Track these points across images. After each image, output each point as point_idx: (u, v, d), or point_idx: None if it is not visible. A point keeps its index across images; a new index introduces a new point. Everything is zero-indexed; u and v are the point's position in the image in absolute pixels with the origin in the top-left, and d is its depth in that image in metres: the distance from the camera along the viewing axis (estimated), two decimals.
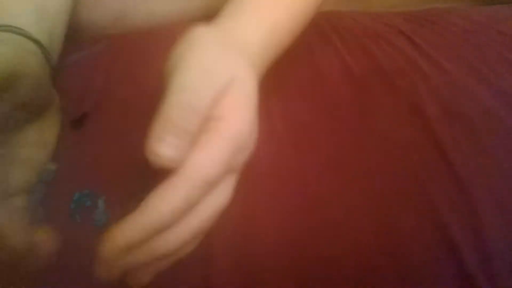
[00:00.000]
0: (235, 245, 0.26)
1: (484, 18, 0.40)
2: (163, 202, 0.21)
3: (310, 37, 0.37)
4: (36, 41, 0.27)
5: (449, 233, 0.24)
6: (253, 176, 0.28)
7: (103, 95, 0.33)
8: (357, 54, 0.34)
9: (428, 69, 0.32)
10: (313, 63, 0.35)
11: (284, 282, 0.24)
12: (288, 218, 0.27)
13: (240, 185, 0.28)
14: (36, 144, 0.27)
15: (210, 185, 0.22)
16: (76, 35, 0.41)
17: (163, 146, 0.21)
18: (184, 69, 0.23)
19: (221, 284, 0.24)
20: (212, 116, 0.23)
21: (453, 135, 0.28)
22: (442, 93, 0.30)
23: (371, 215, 0.26)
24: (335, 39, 0.37)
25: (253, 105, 0.25)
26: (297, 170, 0.29)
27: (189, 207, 0.22)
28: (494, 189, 0.25)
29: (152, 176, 0.22)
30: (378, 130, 0.30)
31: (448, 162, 0.27)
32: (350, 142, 0.30)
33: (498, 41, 0.34)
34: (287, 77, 0.35)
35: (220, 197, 0.24)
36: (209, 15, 0.31)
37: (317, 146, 0.30)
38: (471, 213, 0.25)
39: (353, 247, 0.25)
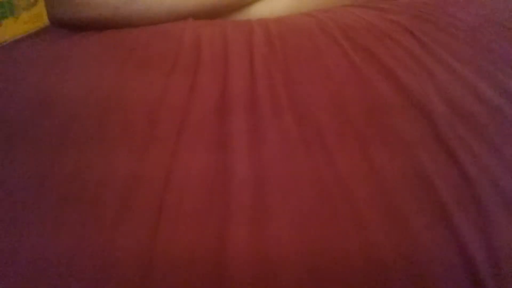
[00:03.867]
0: (249, 233, 0.26)
1: (489, 11, 0.41)
2: None
3: (317, 37, 0.38)
4: None
5: (459, 233, 0.25)
6: (264, 167, 0.29)
7: None
8: (363, 54, 0.35)
9: (434, 68, 0.32)
10: (321, 63, 0.35)
11: (297, 271, 0.25)
12: (301, 211, 0.27)
13: (253, 178, 0.28)
14: None
15: None
16: (78, 13, 0.41)
17: None
18: None
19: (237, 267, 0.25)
20: None
21: (461, 135, 0.28)
22: (449, 92, 0.31)
23: (381, 211, 0.26)
24: (341, 38, 0.37)
25: None
26: (307, 164, 0.29)
27: None
28: (504, 190, 0.26)
29: None
30: (386, 129, 0.30)
31: (456, 161, 0.27)
32: (357, 141, 0.30)
33: (504, 38, 0.35)
34: (296, 75, 0.35)
35: None
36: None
37: (326, 144, 0.30)
38: (480, 213, 0.25)
39: (364, 241, 0.26)
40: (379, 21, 0.39)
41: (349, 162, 0.29)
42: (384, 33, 0.36)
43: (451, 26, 0.37)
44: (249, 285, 0.24)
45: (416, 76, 0.32)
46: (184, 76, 0.37)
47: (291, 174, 0.29)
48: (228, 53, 0.39)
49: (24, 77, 0.38)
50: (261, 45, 0.39)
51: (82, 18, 0.44)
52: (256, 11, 0.49)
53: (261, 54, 0.38)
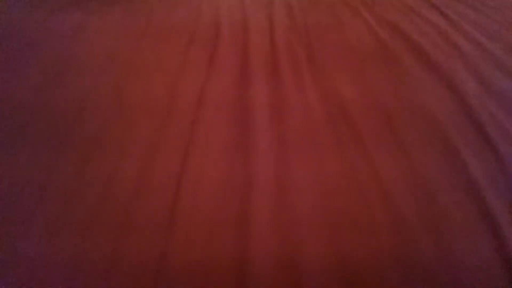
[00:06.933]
0: (273, 208, 0.26)
1: None
2: None
3: (339, 10, 0.37)
4: None
5: (490, 208, 0.24)
6: (288, 144, 0.28)
7: None
8: (389, 28, 0.34)
9: (462, 44, 0.32)
10: (344, 37, 0.34)
11: (322, 249, 0.25)
12: (325, 183, 0.27)
13: (275, 154, 0.28)
14: None
15: None
16: None
17: None
18: None
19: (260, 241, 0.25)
20: None
21: (492, 111, 0.28)
22: (478, 69, 0.30)
23: (408, 186, 0.26)
24: (365, 12, 0.36)
25: None
26: (333, 141, 0.29)
27: None
28: None
29: None
30: (415, 105, 0.30)
31: (487, 138, 0.27)
32: (384, 116, 0.30)
33: None
34: (318, 48, 0.34)
35: None
36: None
37: (351, 120, 0.30)
38: (511, 189, 0.25)
39: (390, 214, 0.25)
40: None
41: (375, 137, 0.28)
42: (410, 8, 0.35)
43: (478, 3, 0.36)
44: (271, 269, 0.24)
45: (444, 52, 0.31)
46: (204, 48, 0.36)
47: (315, 149, 0.28)
48: (248, 25, 0.38)
49: (43, 43, 0.37)
50: (282, 18, 0.38)
51: None
52: None
53: (282, 27, 0.37)
